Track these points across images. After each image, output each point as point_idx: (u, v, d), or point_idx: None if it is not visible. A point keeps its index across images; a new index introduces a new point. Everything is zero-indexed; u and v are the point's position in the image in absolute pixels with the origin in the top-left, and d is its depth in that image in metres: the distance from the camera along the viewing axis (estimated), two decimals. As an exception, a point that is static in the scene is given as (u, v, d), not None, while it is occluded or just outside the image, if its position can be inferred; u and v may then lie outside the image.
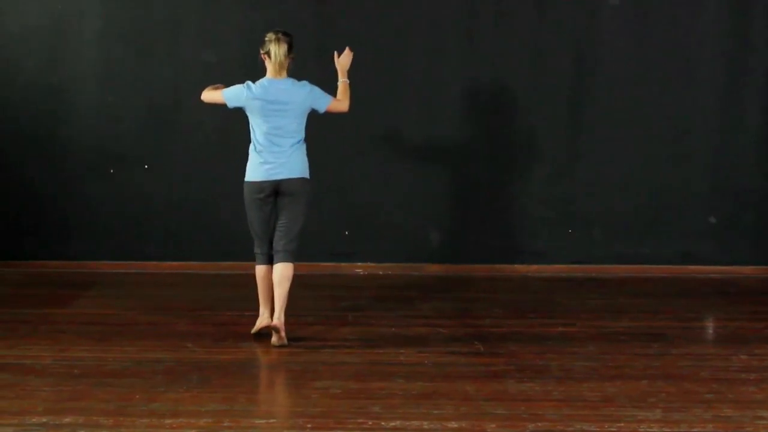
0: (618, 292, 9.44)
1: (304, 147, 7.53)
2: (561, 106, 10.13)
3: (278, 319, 7.35)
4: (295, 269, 7.53)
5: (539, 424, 5.92)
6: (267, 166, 7.42)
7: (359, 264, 9.88)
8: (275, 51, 7.37)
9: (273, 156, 7.41)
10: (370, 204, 9.80)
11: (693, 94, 10.09)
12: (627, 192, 10.17)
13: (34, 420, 5.93)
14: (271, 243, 7.51)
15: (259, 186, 7.44)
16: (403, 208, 10.10)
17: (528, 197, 10.19)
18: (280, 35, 7.38)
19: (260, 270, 7.57)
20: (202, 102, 7.76)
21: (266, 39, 7.40)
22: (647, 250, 10.21)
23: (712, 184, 10.17)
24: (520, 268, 10.17)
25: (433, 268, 10.15)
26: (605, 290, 9.55)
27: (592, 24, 10.06)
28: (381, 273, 9.88)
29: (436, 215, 10.21)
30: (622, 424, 5.92)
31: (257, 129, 7.46)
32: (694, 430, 5.88)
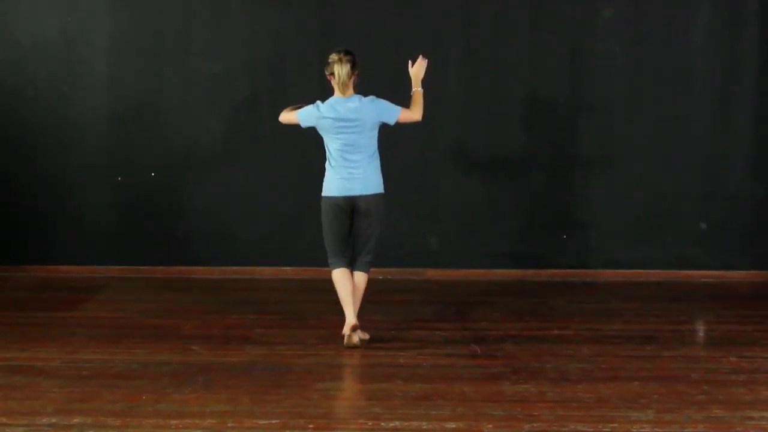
0: (612, 296, 9.43)
1: (377, 161, 7.55)
2: (557, 114, 10.12)
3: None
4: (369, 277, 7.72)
5: (535, 424, 5.92)
6: (342, 182, 7.43)
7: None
8: (338, 71, 7.36)
9: (347, 171, 7.42)
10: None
11: (685, 102, 10.09)
12: (621, 198, 10.16)
13: (43, 420, 5.93)
14: (345, 254, 7.55)
15: (335, 201, 7.46)
16: (402, 215, 10.08)
17: (525, 203, 10.18)
18: (342, 55, 7.39)
19: (338, 273, 7.56)
20: (279, 123, 7.78)
21: (330, 60, 7.41)
22: (640, 255, 10.21)
23: (704, 191, 10.17)
24: (518, 273, 10.16)
25: (432, 273, 10.15)
26: (599, 294, 9.54)
27: (587, 35, 10.06)
28: (381, 277, 9.87)
29: (435, 221, 10.21)
30: (616, 425, 5.92)
31: (330, 145, 7.47)
32: (686, 430, 5.87)
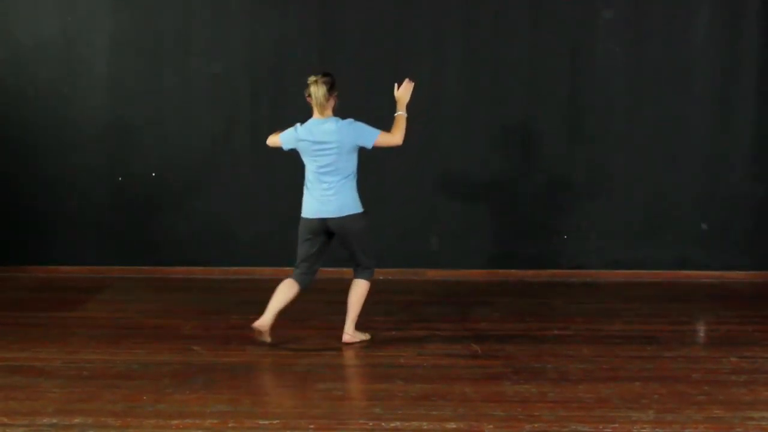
0: (612, 297, 9.40)
1: (353, 181, 7.46)
2: (558, 115, 10.10)
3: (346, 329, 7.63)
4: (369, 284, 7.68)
5: (536, 425, 5.91)
6: (317, 204, 7.41)
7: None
8: (315, 93, 7.29)
9: (321, 193, 7.38)
10: (371, 211, 9.79)
11: (685, 103, 10.07)
12: (621, 199, 10.15)
13: (44, 420, 5.93)
14: (304, 270, 7.55)
15: (309, 223, 7.47)
16: (403, 215, 10.08)
17: (525, 204, 10.16)
18: (318, 77, 7.30)
19: (285, 282, 7.58)
20: (267, 146, 7.75)
21: (308, 82, 7.33)
22: (641, 255, 10.19)
23: (704, 192, 10.16)
24: (518, 273, 10.15)
25: (433, 273, 10.13)
26: (599, 294, 9.52)
27: (587, 35, 10.04)
28: (381, 278, 9.85)
29: (436, 221, 10.19)
30: (617, 425, 5.91)
31: (308, 167, 7.44)
32: (686, 430, 5.86)
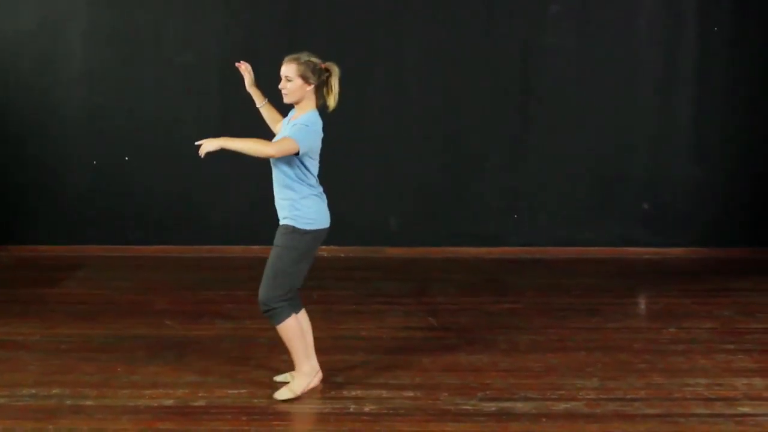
0: (560, 273, 9.44)
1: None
2: (510, 103, 10.11)
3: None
4: None
5: (487, 392, 5.95)
6: (326, 209, 5.92)
7: (323, 247, 9.79)
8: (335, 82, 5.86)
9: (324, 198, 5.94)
10: (335, 192, 9.76)
11: (629, 92, 10.11)
12: (569, 181, 10.18)
13: (24, 391, 5.90)
14: (295, 294, 5.86)
15: (323, 234, 5.87)
16: (364, 197, 10.08)
17: (478, 186, 10.17)
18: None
19: (296, 321, 5.83)
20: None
21: (327, 66, 5.87)
22: (588, 233, 10.24)
23: (648, 175, 10.20)
24: (472, 251, 10.16)
25: (392, 251, 10.13)
26: (548, 271, 9.55)
27: (538, 28, 10.04)
28: (343, 255, 9.85)
29: (395, 203, 10.18)
30: (563, 392, 5.96)
31: (312, 170, 5.80)
32: (628, 396, 5.91)
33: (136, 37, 10.00)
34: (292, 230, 5.71)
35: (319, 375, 6.01)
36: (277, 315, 5.71)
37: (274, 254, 5.74)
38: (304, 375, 5.88)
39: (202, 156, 5.49)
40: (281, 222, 5.80)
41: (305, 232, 5.72)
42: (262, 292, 5.72)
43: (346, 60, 9.64)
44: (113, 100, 10.02)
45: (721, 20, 10.03)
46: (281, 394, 5.82)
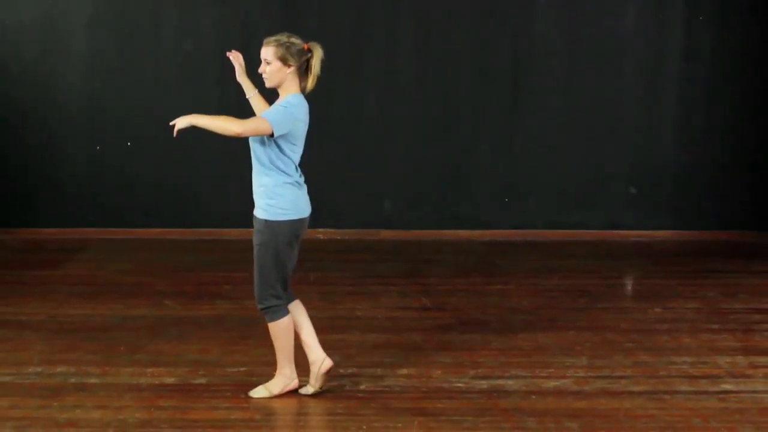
0: (550, 255, 9.48)
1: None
2: (501, 92, 10.13)
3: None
4: None
5: (479, 370, 6.01)
6: (304, 197, 5.58)
7: (320, 230, 9.87)
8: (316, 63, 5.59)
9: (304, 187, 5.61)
10: (331, 177, 9.79)
11: (617, 80, 10.14)
12: (559, 166, 10.20)
13: (30, 370, 5.95)
14: (287, 287, 5.64)
15: (304, 222, 5.54)
16: (360, 180, 10.11)
17: (471, 171, 10.21)
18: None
19: (289, 323, 5.63)
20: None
21: (312, 48, 5.61)
22: (577, 217, 10.28)
23: (634, 160, 10.24)
24: (464, 234, 10.20)
25: (387, 234, 10.16)
26: (539, 253, 9.59)
27: (527, 18, 10.07)
28: (339, 238, 9.89)
29: (390, 186, 10.21)
30: (552, 370, 6.02)
31: (292, 157, 5.47)
32: (616, 374, 5.98)
33: (135, 26, 9.99)
34: (264, 224, 5.48)
35: (327, 362, 5.64)
36: (272, 313, 5.55)
37: (255, 253, 5.55)
38: (284, 377, 5.66)
39: (175, 135, 5.39)
40: (255, 212, 5.57)
41: (279, 224, 5.43)
42: (255, 291, 5.60)
43: (341, 45, 9.77)
44: (113, 87, 10.03)
45: (706, 8, 10.07)
46: (256, 392, 5.64)
